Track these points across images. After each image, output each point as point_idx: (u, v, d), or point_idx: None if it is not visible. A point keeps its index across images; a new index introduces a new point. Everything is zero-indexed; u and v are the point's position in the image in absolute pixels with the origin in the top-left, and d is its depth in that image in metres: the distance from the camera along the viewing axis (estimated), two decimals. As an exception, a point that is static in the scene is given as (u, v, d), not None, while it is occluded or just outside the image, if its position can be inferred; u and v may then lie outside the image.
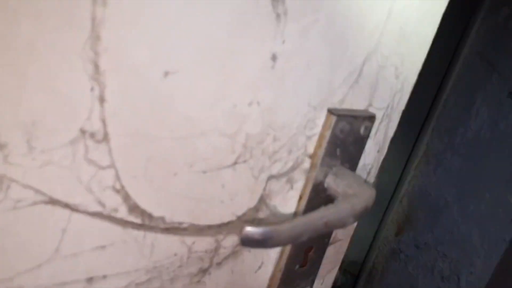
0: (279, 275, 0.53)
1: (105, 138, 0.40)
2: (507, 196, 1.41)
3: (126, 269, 0.45)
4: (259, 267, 0.54)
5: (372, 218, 2.72)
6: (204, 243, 0.49)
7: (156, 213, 0.45)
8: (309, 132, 0.51)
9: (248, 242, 0.43)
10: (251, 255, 0.54)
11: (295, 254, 0.54)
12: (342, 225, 0.48)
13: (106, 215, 0.43)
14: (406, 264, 1.69)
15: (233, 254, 0.51)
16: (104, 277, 0.45)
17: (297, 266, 0.54)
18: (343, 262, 2.60)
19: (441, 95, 1.66)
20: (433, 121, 1.69)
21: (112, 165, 0.42)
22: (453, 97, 1.62)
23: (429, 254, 1.60)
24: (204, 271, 0.50)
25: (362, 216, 0.50)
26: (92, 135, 0.40)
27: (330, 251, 0.60)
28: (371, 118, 0.54)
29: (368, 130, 0.54)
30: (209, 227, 0.48)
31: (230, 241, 0.51)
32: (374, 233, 2.03)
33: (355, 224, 0.61)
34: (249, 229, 0.43)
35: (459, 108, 1.60)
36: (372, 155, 0.59)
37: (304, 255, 0.55)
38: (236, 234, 0.50)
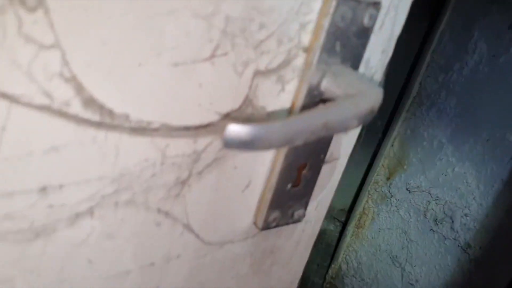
0: (269, 195, 0.46)
1: (41, 5, 0.31)
2: (506, 135, 1.34)
3: (87, 177, 0.38)
4: (247, 186, 0.46)
5: (362, 163, 2.67)
6: (180, 146, 0.40)
7: (118, 109, 0.37)
8: (302, 18, 0.41)
9: (233, 143, 0.34)
10: (237, 172, 0.45)
11: (287, 171, 0.46)
12: (344, 128, 0.40)
13: (56, 109, 0.34)
14: (397, 209, 1.65)
15: (215, 162, 0.43)
16: (61, 186, 0.37)
17: (289, 185, 0.47)
18: (331, 209, 2.56)
19: (435, 29, 1.56)
20: (427, 58, 1.60)
21: (56, 45, 0.32)
22: (448, 31, 1.52)
23: (422, 198, 1.55)
24: (183, 183, 0.42)
25: (367, 119, 0.41)
26: (22, 2, 0.30)
27: (326, 170, 0.52)
28: (376, 5, 0.45)
29: (373, 20, 0.45)
30: (186, 128, 0.41)
31: (211, 145, 0.42)
32: (364, 179, 1.98)
33: (353, 143, 0.53)
34: (234, 127, 0.34)
35: (455, 43, 1.51)
36: (376, 56, 0.50)
37: (297, 172, 0.47)
38: (217, 137, 0.41)
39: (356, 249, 1.83)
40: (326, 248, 2.38)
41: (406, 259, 1.57)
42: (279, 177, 0.46)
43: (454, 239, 1.41)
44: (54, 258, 0.40)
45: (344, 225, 2.20)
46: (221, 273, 0.51)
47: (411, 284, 1.52)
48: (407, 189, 1.62)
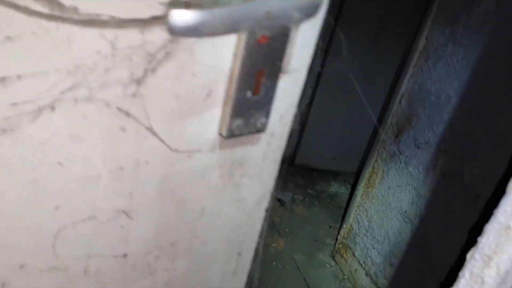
0: (230, 103, 0.47)
1: None
2: (513, 84, 1.32)
3: (44, 69, 0.39)
4: (208, 95, 0.47)
5: (369, 122, 2.66)
6: (128, 38, 0.40)
7: (68, 2, 0.38)
8: None
9: (177, 29, 0.35)
10: (197, 80, 0.45)
11: (245, 78, 0.47)
12: (287, 19, 0.41)
13: (7, 1, 0.35)
14: (406, 165, 1.65)
15: (167, 58, 0.43)
16: (19, 77, 0.39)
17: (249, 93, 0.48)
18: (340, 173, 2.55)
19: (441, -19, 1.53)
20: (433, 11, 1.57)
21: None
22: (455, -18, 1.49)
23: (430, 152, 1.55)
24: (138, 82, 0.42)
25: (310, 13, 0.42)
26: None
27: (286, 82, 0.52)
28: None
29: None
30: (133, 20, 0.40)
31: (159, 38, 0.42)
32: (372, 138, 1.97)
33: (310, 54, 0.53)
34: (177, 13, 0.35)
35: (461, -7, 1.47)
36: None
37: (256, 79, 0.47)
38: (164, 29, 0.41)
39: (366, 208, 1.84)
40: (338, 210, 2.40)
41: (416, 214, 1.58)
42: (238, 84, 0.46)
43: (464, 192, 1.41)
44: (23, 157, 0.42)
45: (354, 186, 2.21)
46: (192, 183, 0.52)
47: (422, 239, 1.54)
48: (415, 145, 1.61)
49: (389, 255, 1.70)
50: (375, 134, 1.86)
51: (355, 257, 1.88)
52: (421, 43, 1.60)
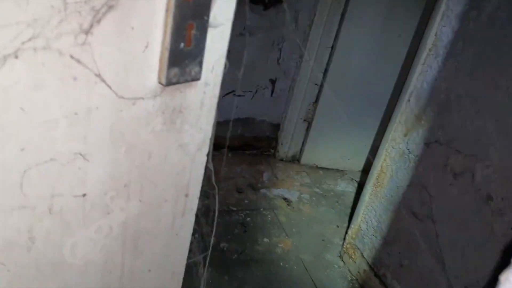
0: (166, 54, 0.54)
1: None
2: (526, 81, 1.29)
3: (7, 22, 0.44)
4: (146, 47, 0.53)
5: (375, 121, 2.63)
6: None
7: None
8: None
9: None
10: (135, 33, 0.52)
11: (177, 31, 0.53)
12: None
13: None
14: (416, 165, 1.62)
15: (109, 10, 0.49)
16: None
17: (182, 45, 0.54)
18: (347, 171, 2.52)
19: (451, -23, 1.49)
20: (442, 7, 1.54)
21: None
22: (464, -23, 1.45)
23: (440, 152, 1.52)
24: (86, 32, 0.49)
25: None
26: None
27: (214, 34, 0.59)
28: None
29: None
30: None
31: None
32: (380, 136, 1.92)
33: (233, 8, 0.59)
34: None
35: (471, -11, 1.44)
36: None
37: (187, 32, 0.54)
38: None
39: (375, 208, 1.82)
40: (345, 209, 2.38)
41: (426, 215, 1.55)
42: (172, 37, 0.53)
43: (475, 191, 1.38)
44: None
45: (363, 186, 2.18)
46: (139, 128, 0.59)
47: (433, 240, 1.51)
48: (425, 144, 1.58)
49: (399, 256, 1.67)
50: (383, 132, 1.83)
51: (364, 257, 1.86)
52: (430, 40, 1.57)
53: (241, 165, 2.59)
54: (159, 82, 0.57)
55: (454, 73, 1.49)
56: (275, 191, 2.40)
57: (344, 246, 2.00)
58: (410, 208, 1.63)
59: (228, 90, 2.50)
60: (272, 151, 2.77)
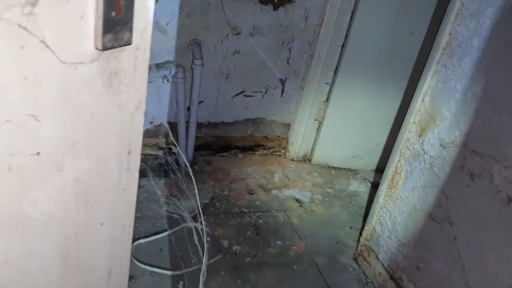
0: (100, 22, 0.61)
1: None
2: (545, 80, 1.26)
3: None
4: (82, 17, 0.60)
5: (390, 122, 2.60)
6: None
7: None
8: None
9: None
10: (71, 5, 0.59)
11: (108, 1, 0.61)
12: None
13: None
14: (431, 166, 1.59)
15: None
16: None
17: (113, 13, 0.62)
18: (360, 171, 2.49)
19: (465, -27, 1.46)
20: (456, 4, 1.50)
21: None
22: (480, -26, 1.42)
23: (457, 152, 1.49)
24: (32, 4, 0.55)
25: None
26: None
27: (140, 4, 0.66)
28: None
29: None
30: None
31: None
32: (393, 137, 1.88)
33: None
34: None
35: (487, -14, 1.40)
36: None
37: (117, 2, 0.62)
38: None
39: (390, 210, 1.79)
40: (358, 210, 2.35)
41: (443, 217, 1.52)
42: (104, 7, 0.60)
43: (494, 193, 1.35)
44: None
45: (376, 186, 2.15)
46: (81, 91, 0.66)
47: (451, 242, 1.48)
48: (441, 145, 1.55)
49: (415, 259, 1.64)
50: (396, 132, 1.80)
51: (379, 260, 1.83)
52: (444, 39, 1.53)
53: (252, 166, 2.57)
54: (96, 48, 0.64)
55: (470, 72, 1.45)
56: (287, 192, 2.38)
57: (359, 248, 1.97)
58: (426, 210, 1.60)
59: (238, 91, 2.49)
60: (283, 151, 2.75)
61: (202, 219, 2.06)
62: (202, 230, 1.95)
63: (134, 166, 0.79)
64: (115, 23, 0.63)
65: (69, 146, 0.68)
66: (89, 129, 0.70)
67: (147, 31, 0.69)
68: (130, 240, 0.89)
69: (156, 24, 2.13)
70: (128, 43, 0.66)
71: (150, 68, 2.15)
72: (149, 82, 2.22)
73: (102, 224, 0.81)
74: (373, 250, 1.88)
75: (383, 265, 1.81)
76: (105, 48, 0.63)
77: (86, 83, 0.65)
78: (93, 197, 0.77)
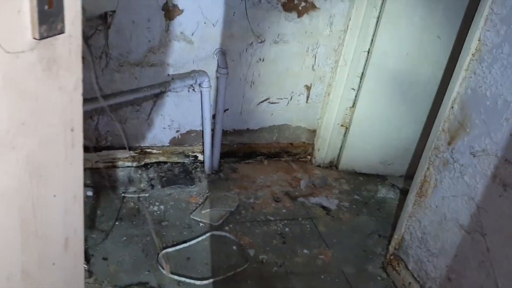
0: (35, 15, 0.70)
1: None
2: None
3: None
4: (19, 11, 0.68)
5: (419, 129, 2.55)
6: None
7: None
8: None
9: None
10: (7, 2, 0.67)
11: None
12: None
13: None
14: (462, 174, 1.55)
15: None
16: None
17: (46, 7, 0.71)
18: (388, 177, 2.44)
19: (495, -23, 1.42)
20: (485, 11, 1.46)
21: None
22: (510, -23, 1.38)
23: (488, 161, 1.45)
24: None
25: None
26: None
27: None
28: None
29: None
30: None
31: None
32: (422, 144, 1.84)
33: None
34: None
35: (518, -10, 1.36)
36: None
37: None
38: None
39: (419, 219, 1.75)
40: (387, 218, 2.32)
41: (475, 227, 1.48)
42: (37, 2, 0.69)
43: (528, 204, 1.31)
44: None
45: (405, 192, 2.12)
46: (25, 76, 0.74)
47: (483, 254, 1.44)
48: (471, 153, 1.51)
49: (446, 269, 1.61)
50: (425, 139, 1.77)
51: (409, 269, 1.80)
52: (473, 45, 1.50)
53: (278, 173, 2.57)
54: (34, 38, 0.72)
55: (501, 79, 1.41)
56: (313, 199, 2.36)
57: (387, 257, 1.94)
58: (457, 219, 1.57)
59: (262, 98, 2.49)
60: (309, 157, 2.74)
61: (229, 227, 2.07)
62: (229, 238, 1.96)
63: (78, 142, 0.90)
64: (49, 15, 0.72)
65: (19, 126, 0.77)
66: (35, 110, 0.79)
67: (77, 20, 0.79)
68: (82, 211, 0.99)
69: (181, 34, 2.16)
70: (62, 31, 0.76)
71: (176, 79, 2.17)
72: (175, 91, 2.25)
73: (55, 196, 0.90)
74: (402, 260, 1.85)
75: (412, 275, 1.78)
76: (42, 37, 0.72)
77: (28, 69, 0.74)
78: (45, 172, 0.86)
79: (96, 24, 1.99)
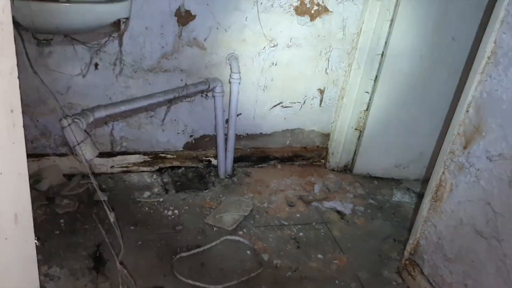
0: None
1: None
2: None
3: None
4: None
5: (434, 132, 2.52)
6: None
7: None
8: None
9: None
10: None
11: None
12: None
13: None
14: (478, 179, 1.53)
15: None
16: None
17: None
18: (403, 180, 2.41)
19: (510, -21, 1.40)
20: (500, 13, 1.44)
21: None
22: (525, -21, 1.36)
23: (505, 166, 1.42)
24: None
25: None
26: None
27: None
28: None
29: None
30: None
31: None
32: (437, 148, 1.82)
33: None
34: None
35: (534, -9, 1.34)
36: None
37: None
38: None
39: (434, 223, 1.73)
40: (402, 222, 2.29)
41: (491, 233, 1.46)
42: None
43: (547, 209, 1.28)
44: None
45: (421, 196, 2.09)
46: None
47: (500, 260, 1.42)
48: (487, 158, 1.49)
49: (462, 275, 1.58)
50: (440, 144, 1.75)
51: (424, 275, 1.78)
52: (488, 47, 1.47)
53: (291, 177, 2.56)
54: None
55: (517, 82, 1.39)
56: (327, 204, 2.35)
57: (403, 262, 1.92)
58: (473, 225, 1.54)
59: (275, 102, 2.49)
60: (323, 161, 2.73)
61: (243, 232, 2.07)
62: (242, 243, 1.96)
63: (18, 122, 0.98)
64: None
65: None
66: None
67: (7, 8, 0.86)
68: (28, 187, 1.07)
69: (194, 40, 2.17)
70: None
71: (189, 84, 2.18)
72: (188, 97, 2.26)
73: (1, 173, 0.99)
74: (417, 265, 1.83)
75: (428, 280, 1.76)
76: None
77: None
78: (-7, 151, 0.97)
79: (110, 31, 2.01)
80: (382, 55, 2.40)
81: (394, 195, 2.51)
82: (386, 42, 2.37)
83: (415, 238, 1.85)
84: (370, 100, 2.51)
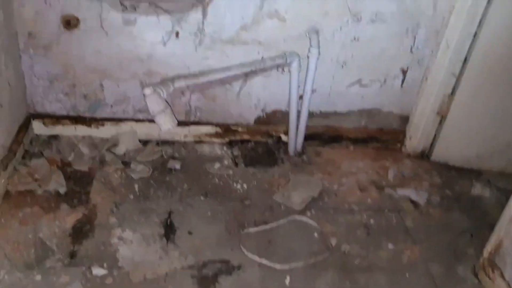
0: None
1: None
2: None
3: None
4: None
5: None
6: None
7: None
8: None
9: None
10: None
11: None
12: None
13: None
14: None
15: None
16: None
17: None
18: (484, 172, 2.26)
19: None
20: None
21: None
22: None
23: None
24: None
25: None
26: None
27: None
28: None
29: None
30: None
31: None
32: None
33: None
34: None
35: None
36: None
37: None
38: None
39: (523, 225, 1.60)
40: (481, 217, 2.15)
41: None
42: None
43: None
44: None
45: (502, 191, 1.95)
46: None
47: None
48: None
49: (552, 285, 1.46)
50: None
51: (505, 279, 1.66)
52: None
53: (364, 160, 2.47)
54: None
55: None
56: (401, 191, 2.25)
57: (481, 261, 1.80)
58: None
59: (354, 80, 2.38)
60: (399, 145, 2.60)
61: (311, 213, 2.04)
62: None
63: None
64: None
65: None
66: None
67: None
68: None
69: (275, 12, 2.10)
70: None
71: (267, 58, 2.14)
72: (263, 71, 2.21)
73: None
74: (498, 266, 1.71)
75: (509, 285, 1.64)
76: None
77: None
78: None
79: (195, 2, 2.00)
80: (475, 35, 2.20)
81: (473, 187, 2.35)
82: (480, 21, 2.17)
83: (498, 238, 1.72)
84: (456, 83, 2.33)
